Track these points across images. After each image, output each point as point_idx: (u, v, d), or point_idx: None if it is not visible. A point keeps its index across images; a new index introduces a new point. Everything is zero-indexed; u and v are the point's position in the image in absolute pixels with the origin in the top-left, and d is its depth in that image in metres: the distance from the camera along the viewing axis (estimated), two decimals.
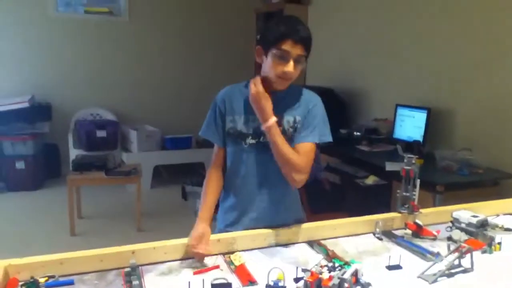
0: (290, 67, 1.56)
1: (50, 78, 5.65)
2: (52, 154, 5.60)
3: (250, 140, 1.67)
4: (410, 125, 3.74)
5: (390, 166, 3.12)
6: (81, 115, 5.64)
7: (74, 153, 4.99)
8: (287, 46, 1.55)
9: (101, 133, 5.19)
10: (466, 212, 1.65)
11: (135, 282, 1.24)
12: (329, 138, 1.70)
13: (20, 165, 5.13)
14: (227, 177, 1.76)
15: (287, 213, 1.73)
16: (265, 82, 1.64)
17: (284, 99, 1.68)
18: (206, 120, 1.75)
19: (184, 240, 1.48)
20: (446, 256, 1.37)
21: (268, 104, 1.58)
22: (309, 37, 1.60)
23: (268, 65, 1.61)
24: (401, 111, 3.87)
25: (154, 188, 5.38)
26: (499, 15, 3.25)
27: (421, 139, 3.58)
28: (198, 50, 6.28)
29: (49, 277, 1.28)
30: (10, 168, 5.13)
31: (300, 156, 1.61)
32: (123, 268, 1.34)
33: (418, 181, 1.71)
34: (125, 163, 4.61)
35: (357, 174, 3.46)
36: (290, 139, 1.65)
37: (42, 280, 1.25)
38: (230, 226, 1.73)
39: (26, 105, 5.15)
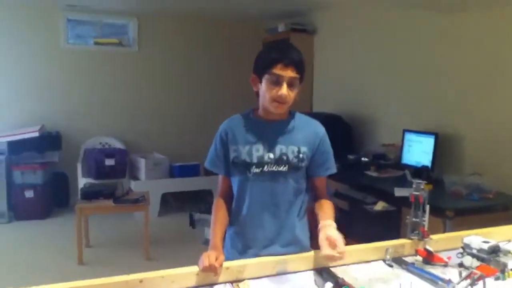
0: (283, 89, 1.60)
1: (60, 108, 5.72)
2: (61, 182, 5.63)
3: (255, 169, 1.68)
4: (418, 150, 3.73)
5: (399, 192, 3.11)
6: (90, 144, 5.69)
7: (82, 181, 5.02)
8: (278, 70, 1.59)
9: (109, 162, 5.22)
10: (477, 238, 1.63)
11: None
12: (335, 169, 1.80)
13: (29, 194, 5.16)
14: (234, 206, 1.77)
15: (294, 241, 1.72)
16: (265, 110, 1.69)
17: (286, 128, 1.71)
18: (210, 152, 1.79)
19: (192, 268, 1.47)
20: (458, 283, 1.35)
21: None
22: (300, 59, 1.64)
23: (263, 91, 1.65)
24: (408, 136, 3.87)
25: (162, 216, 5.37)
26: (503, 42, 3.27)
27: (429, 164, 3.56)
28: (206, 79, 6.36)
29: None
30: (19, 197, 5.16)
31: (324, 195, 1.77)
32: None
33: (427, 207, 1.70)
34: (133, 191, 4.61)
35: (366, 200, 3.44)
36: (294, 168, 1.69)
37: None
38: (238, 254, 1.73)
39: (36, 134, 5.21)
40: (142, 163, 5.40)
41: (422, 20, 3.96)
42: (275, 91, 1.60)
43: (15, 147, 5.18)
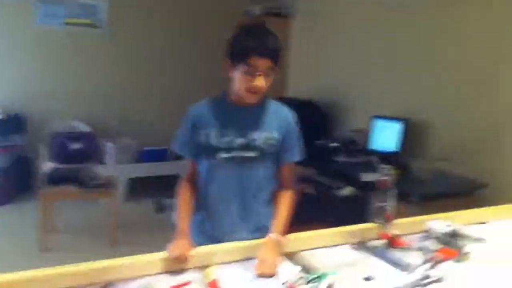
0: (258, 81, 1.57)
1: (25, 90, 5.53)
2: (25, 167, 5.46)
3: (223, 154, 1.66)
4: (387, 136, 3.78)
5: (366, 177, 3.15)
6: (57, 127, 5.53)
7: (48, 166, 4.88)
8: (254, 60, 1.54)
9: (76, 145, 5.08)
10: (439, 222, 1.66)
11: None
12: (302, 155, 1.82)
13: None
14: (201, 191, 1.75)
15: (261, 227, 1.71)
16: (238, 96, 1.66)
17: (258, 114, 1.69)
18: (178, 134, 1.75)
19: (159, 255, 1.45)
20: (419, 266, 1.38)
21: None
22: (277, 48, 1.60)
23: (236, 79, 1.61)
24: (377, 123, 3.91)
25: (130, 201, 5.29)
26: (470, 32, 3.34)
27: (397, 150, 3.62)
28: (179, 62, 6.25)
29: None
30: None
31: (290, 184, 1.78)
32: (97, 284, 1.31)
33: (393, 192, 1.72)
34: (100, 176, 4.52)
35: (333, 185, 3.46)
36: (264, 154, 1.68)
37: None
38: (205, 239, 1.70)
39: None
40: (110, 147, 5.29)
41: (397, 11, 3.98)
42: (250, 81, 1.57)
43: None
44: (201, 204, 1.75)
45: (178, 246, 1.47)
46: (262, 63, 1.55)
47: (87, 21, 5.78)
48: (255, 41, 1.56)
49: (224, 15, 6.06)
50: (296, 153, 1.77)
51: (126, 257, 1.41)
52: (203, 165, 1.72)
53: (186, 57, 6.26)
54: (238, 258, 1.53)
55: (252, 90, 1.59)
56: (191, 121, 1.71)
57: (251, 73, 1.56)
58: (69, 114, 5.70)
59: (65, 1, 5.68)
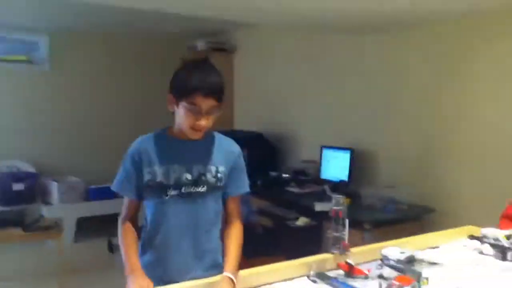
0: (202, 120, 1.56)
1: None
2: None
3: (172, 192, 1.62)
4: (336, 166, 3.86)
5: (319, 207, 3.19)
6: None
7: None
8: (198, 100, 1.53)
9: (18, 186, 4.86)
10: (394, 249, 1.69)
11: None
12: (248, 188, 1.78)
13: None
14: (147, 231, 1.68)
15: (211, 261, 1.69)
16: (181, 130, 1.63)
17: (204, 148, 1.67)
18: (119, 174, 1.67)
19: None
20: None
21: None
22: (220, 86, 1.59)
23: (180, 116, 1.59)
24: (326, 152, 4.00)
25: (79, 242, 5.07)
26: (417, 66, 3.51)
27: (346, 179, 3.70)
28: (122, 99, 6.15)
29: None
30: None
31: (236, 217, 1.72)
32: None
33: (347, 221, 1.74)
34: (45, 217, 4.33)
35: (288, 216, 3.48)
36: (213, 188, 1.66)
37: None
38: (157, 283, 1.57)
39: None
40: (54, 186, 5.08)
41: (337, 42, 4.15)
42: (193, 120, 1.56)
43: None
44: (148, 245, 1.67)
45: (140, 286, 1.41)
46: (206, 103, 1.54)
47: (24, 57, 5.62)
48: (199, 80, 1.54)
49: (168, 50, 6.08)
50: (242, 186, 1.75)
51: None
52: (150, 204, 1.66)
53: (130, 93, 6.20)
54: None
55: (196, 128, 1.58)
56: (132, 159, 1.64)
57: (195, 112, 1.55)
58: (9, 154, 5.45)
59: (0, 37, 5.52)
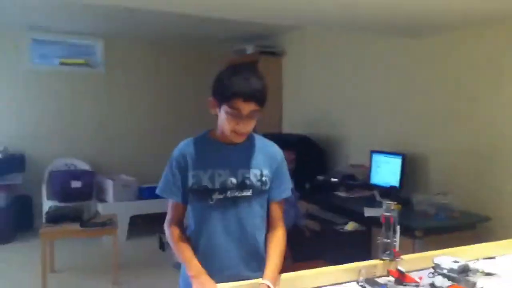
0: (243, 124, 1.57)
1: (24, 129, 5.58)
2: (25, 205, 5.45)
3: (217, 196, 1.62)
4: (386, 171, 3.80)
5: (368, 212, 3.15)
6: (56, 166, 5.54)
7: (48, 204, 4.87)
8: (238, 104, 1.54)
9: (76, 184, 5.09)
10: (447, 258, 1.66)
11: None
12: (290, 192, 1.76)
13: None
14: (192, 235, 1.68)
15: (257, 267, 1.66)
16: (224, 133, 1.63)
17: (247, 152, 1.67)
18: (164, 178, 1.68)
19: None
20: None
21: None
22: (261, 91, 1.57)
23: (221, 119, 1.60)
24: (376, 157, 3.94)
25: (131, 239, 5.25)
26: (469, 68, 3.41)
27: (397, 184, 3.63)
28: (173, 100, 6.35)
29: None
30: None
31: (280, 223, 1.71)
32: None
33: (398, 228, 1.72)
34: (100, 214, 4.51)
35: (336, 221, 3.46)
36: (258, 192, 1.65)
37: None
38: None
39: None
40: (109, 184, 5.29)
41: (388, 44, 4.08)
42: (234, 124, 1.56)
43: None
44: (194, 248, 1.65)
45: (207, 285, 1.46)
46: (247, 107, 1.54)
47: (82, 61, 5.89)
48: (240, 85, 1.54)
49: (217, 54, 6.18)
50: (285, 190, 1.73)
51: None
52: (194, 208, 1.66)
53: (180, 96, 6.38)
54: None
55: (237, 132, 1.58)
56: (178, 162, 1.64)
57: (236, 116, 1.56)
58: (68, 153, 5.73)
59: (60, 41, 5.81)
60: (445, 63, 3.58)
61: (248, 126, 1.58)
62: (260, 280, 1.54)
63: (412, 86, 3.88)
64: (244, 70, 1.60)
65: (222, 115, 1.59)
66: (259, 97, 1.56)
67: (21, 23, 5.13)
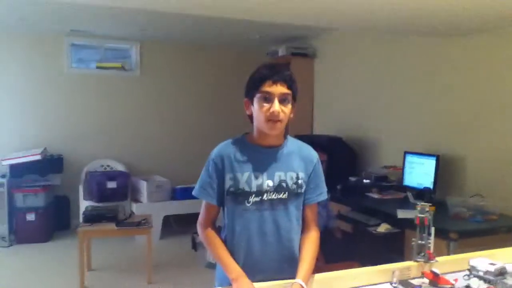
0: (275, 106, 1.57)
1: (62, 131, 5.76)
2: (62, 205, 5.63)
3: (254, 199, 1.63)
4: (420, 172, 3.75)
5: (402, 214, 3.11)
6: (92, 167, 5.70)
7: (84, 204, 5.01)
8: (268, 87, 1.58)
9: (111, 184, 5.23)
10: (483, 260, 1.64)
11: None
12: (326, 194, 1.77)
13: (30, 217, 5.15)
14: (227, 238, 1.68)
15: (292, 269, 1.65)
16: (260, 134, 1.66)
17: (283, 155, 1.68)
18: (201, 179, 1.69)
19: None
20: None
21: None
22: (290, 76, 1.62)
23: (256, 112, 1.62)
24: (410, 159, 3.89)
25: (164, 239, 5.35)
26: (507, 68, 3.33)
27: (431, 186, 3.58)
28: (206, 103, 6.43)
29: None
30: (20, 221, 5.15)
31: (313, 225, 1.72)
32: None
33: (433, 229, 1.71)
34: (135, 214, 4.61)
35: (369, 222, 3.44)
36: (293, 194, 1.66)
37: None
38: None
39: (38, 157, 5.22)
40: (143, 185, 5.40)
41: (422, 44, 4.03)
42: (267, 109, 1.57)
43: (17, 170, 5.20)
44: (230, 250, 1.66)
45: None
46: (277, 89, 1.57)
47: (118, 64, 6.04)
48: (268, 70, 1.61)
49: (249, 57, 6.21)
50: (320, 193, 1.74)
51: None
52: (231, 210, 1.66)
53: (215, 98, 6.46)
54: None
55: (271, 118, 1.58)
56: (215, 164, 1.66)
57: (268, 100, 1.58)
58: (103, 154, 5.89)
59: (96, 46, 5.98)
60: (482, 63, 3.51)
61: (282, 112, 1.58)
62: (292, 280, 1.56)
63: (447, 86, 3.82)
64: (270, 63, 1.66)
65: (256, 107, 1.61)
66: (287, 79, 1.60)
67: (60, 28, 5.30)
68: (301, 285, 1.53)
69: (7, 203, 5.16)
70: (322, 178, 1.75)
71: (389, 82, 4.47)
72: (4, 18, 4.75)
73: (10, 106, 5.55)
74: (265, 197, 1.63)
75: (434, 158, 3.62)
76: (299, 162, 1.69)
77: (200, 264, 4.43)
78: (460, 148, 3.67)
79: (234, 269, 1.58)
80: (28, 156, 5.23)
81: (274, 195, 1.64)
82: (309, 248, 1.67)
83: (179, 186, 5.55)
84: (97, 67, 5.99)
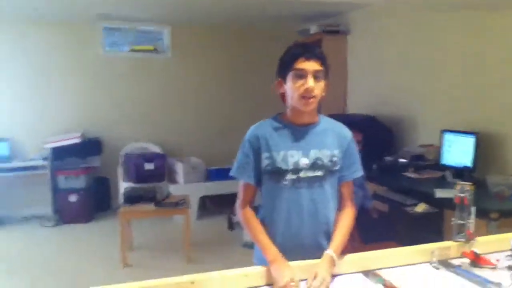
0: (309, 82, 1.59)
1: (100, 114, 5.91)
2: (102, 187, 5.81)
3: (290, 176, 1.65)
4: (458, 151, 3.67)
5: (440, 193, 3.07)
6: (129, 149, 5.83)
7: (123, 185, 5.16)
8: (301, 64, 1.60)
9: (149, 166, 5.34)
10: None
11: None
12: (361, 171, 1.79)
13: (73, 198, 5.35)
14: (265, 216, 1.72)
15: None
16: (294, 112, 1.68)
17: (318, 133, 1.70)
18: (238, 160, 1.72)
19: (242, 270, 1.52)
20: (509, 286, 1.35)
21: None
22: (322, 53, 1.65)
23: (289, 90, 1.64)
24: (448, 137, 3.81)
25: (200, 219, 5.46)
26: None
27: (470, 165, 3.51)
28: (240, 84, 6.44)
29: None
30: (63, 201, 5.35)
31: (349, 202, 1.75)
32: None
33: (473, 209, 1.69)
34: (172, 194, 4.72)
35: (406, 202, 3.41)
36: (329, 172, 1.68)
37: None
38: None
39: (77, 140, 5.40)
40: (179, 167, 5.51)
41: (461, 18, 3.90)
42: (301, 85, 1.59)
43: (59, 153, 5.39)
44: (268, 228, 1.69)
45: (285, 270, 1.49)
46: (309, 65, 1.59)
47: (150, 47, 6.11)
48: (300, 48, 1.64)
49: (280, 35, 6.15)
50: (356, 170, 1.75)
51: (210, 272, 1.49)
52: (268, 189, 1.69)
53: (246, 80, 6.45)
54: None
55: (305, 94, 1.60)
56: (250, 144, 1.69)
57: (301, 77, 1.60)
58: (140, 136, 6.01)
59: (129, 29, 6.05)
60: None
61: (315, 89, 1.60)
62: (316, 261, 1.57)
63: (486, 62, 3.69)
64: (301, 42, 1.70)
65: (290, 86, 1.63)
66: (319, 55, 1.63)
67: (93, 12, 5.38)
68: (331, 256, 1.56)
69: (50, 184, 5.37)
70: (357, 155, 1.77)
71: (425, 58, 4.36)
72: (37, 5, 4.81)
73: (50, 91, 5.72)
74: (301, 174, 1.66)
75: (473, 136, 3.53)
76: (333, 140, 1.70)
77: (237, 243, 4.51)
78: (500, 126, 3.56)
79: (271, 251, 1.60)
80: (68, 139, 5.41)
81: (310, 172, 1.66)
82: (344, 222, 1.70)
83: (213, 167, 5.63)
84: (131, 50, 6.08)
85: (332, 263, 1.55)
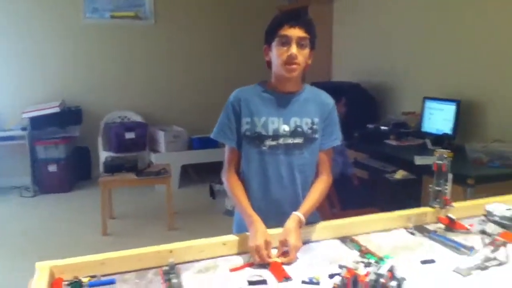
0: (292, 49, 1.58)
1: (79, 83, 5.78)
2: (82, 156, 5.75)
3: (270, 142, 1.66)
4: (439, 118, 3.69)
5: (419, 160, 3.09)
6: (110, 118, 5.75)
7: (104, 155, 5.11)
8: (285, 30, 1.58)
9: (129, 135, 5.28)
10: (499, 205, 1.64)
11: (174, 281, 1.28)
12: (340, 140, 1.78)
13: (52, 168, 5.28)
14: (245, 180, 1.72)
15: (311, 215, 1.66)
16: (278, 80, 1.68)
17: (299, 101, 1.69)
18: (219, 122, 1.73)
19: (220, 239, 1.51)
20: (480, 250, 1.37)
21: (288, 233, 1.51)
22: (308, 20, 1.63)
23: (273, 57, 1.64)
24: (429, 104, 3.83)
25: (182, 187, 5.46)
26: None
27: (450, 132, 3.53)
28: (223, 50, 6.33)
29: (91, 277, 1.32)
30: (43, 171, 5.28)
31: (326, 170, 1.74)
32: (161, 267, 1.38)
33: (450, 176, 1.70)
34: (154, 163, 4.69)
35: (386, 169, 3.44)
36: (309, 139, 1.68)
37: (85, 280, 1.30)
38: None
39: (57, 109, 5.28)
40: (161, 135, 5.46)
41: None
42: (284, 51, 1.58)
43: (37, 122, 5.28)
44: (247, 194, 1.70)
45: (260, 233, 1.49)
46: (294, 32, 1.58)
47: (132, 13, 5.93)
48: (286, 15, 1.64)
49: (269, 1, 6.05)
50: (335, 139, 1.75)
51: (188, 241, 1.48)
52: (247, 154, 1.70)
53: (229, 47, 6.34)
54: None
55: (289, 61, 1.59)
56: (233, 107, 1.70)
57: (285, 43, 1.59)
58: (121, 105, 5.92)
59: None
60: (508, 5, 3.35)
61: (299, 56, 1.59)
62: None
63: (468, 29, 3.68)
64: (289, 10, 1.65)
65: (274, 52, 1.62)
66: (305, 22, 1.61)
67: None
68: (299, 217, 1.55)
69: (29, 155, 5.28)
70: (337, 124, 1.76)
71: (409, 26, 4.33)
72: None
73: (28, 59, 5.55)
74: (281, 141, 1.66)
75: (455, 104, 3.55)
76: (315, 108, 1.70)
77: (218, 211, 4.53)
78: (481, 94, 3.58)
79: (250, 214, 1.60)
80: (47, 108, 5.29)
81: (289, 139, 1.66)
82: (318, 187, 1.70)
83: (195, 136, 5.60)
84: (111, 17, 5.90)
85: (298, 221, 1.55)
